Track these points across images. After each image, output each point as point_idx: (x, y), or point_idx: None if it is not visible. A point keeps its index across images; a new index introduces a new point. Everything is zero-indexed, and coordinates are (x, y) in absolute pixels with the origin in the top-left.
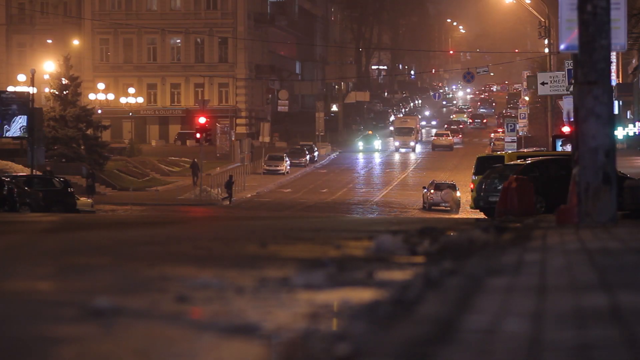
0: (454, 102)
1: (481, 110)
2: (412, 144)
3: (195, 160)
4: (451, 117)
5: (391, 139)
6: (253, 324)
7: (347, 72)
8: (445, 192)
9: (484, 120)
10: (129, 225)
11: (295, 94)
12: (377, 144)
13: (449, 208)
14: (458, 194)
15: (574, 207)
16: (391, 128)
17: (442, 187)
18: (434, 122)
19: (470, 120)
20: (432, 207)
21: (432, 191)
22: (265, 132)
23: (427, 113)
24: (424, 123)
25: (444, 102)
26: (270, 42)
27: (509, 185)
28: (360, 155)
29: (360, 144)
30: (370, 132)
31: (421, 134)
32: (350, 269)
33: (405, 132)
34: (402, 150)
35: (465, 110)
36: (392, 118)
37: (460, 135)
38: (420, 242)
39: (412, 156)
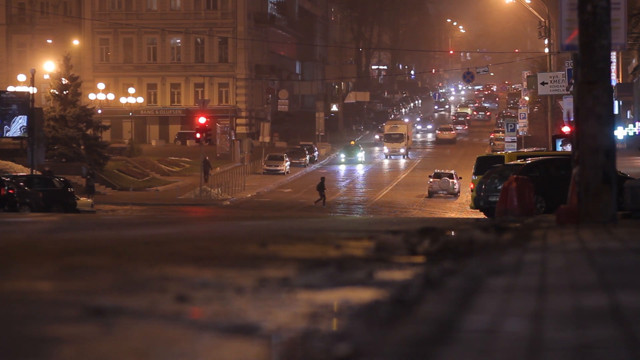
0: (446, 106)
1: (485, 104)
2: (402, 150)
3: (207, 158)
4: (457, 110)
5: (377, 147)
6: (253, 324)
7: (347, 72)
8: (442, 180)
9: (488, 113)
10: (128, 225)
11: (295, 94)
12: (361, 155)
13: (449, 195)
14: (455, 181)
15: (574, 207)
16: (376, 137)
17: (441, 175)
18: (429, 126)
19: (475, 113)
20: (434, 195)
21: (432, 180)
22: (265, 132)
23: (418, 119)
24: (419, 127)
25: (436, 107)
26: (270, 42)
27: (509, 185)
28: (343, 167)
29: (342, 156)
30: (352, 142)
31: (415, 138)
32: (350, 269)
33: (395, 139)
34: (393, 157)
35: (469, 105)
36: (392, 117)
37: (466, 127)
38: (420, 242)
39: (413, 157)
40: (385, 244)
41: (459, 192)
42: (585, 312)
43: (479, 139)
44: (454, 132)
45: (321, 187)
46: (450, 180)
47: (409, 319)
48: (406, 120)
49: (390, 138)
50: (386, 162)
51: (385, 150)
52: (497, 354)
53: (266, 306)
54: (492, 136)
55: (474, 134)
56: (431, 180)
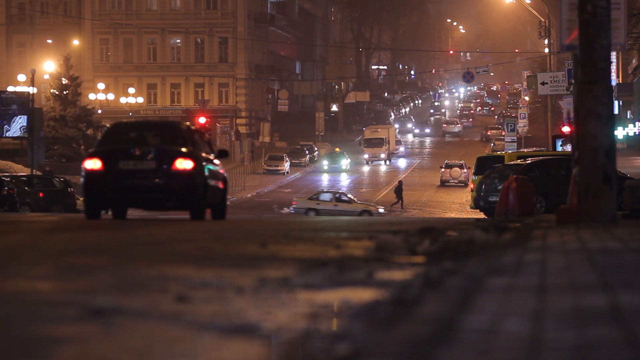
0: (442, 110)
1: (488, 100)
2: (382, 156)
3: None
4: (459, 106)
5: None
6: (253, 324)
7: (347, 72)
8: (453, 170)
9: (492, 108)
10: (128, 225)
11: (295, 94)
12: (345, 163)
13: (460, 183)
14: (465, 170)
15: (574, 207)
16: (365, 144)
17: (451, 166)
18: (427, 130)
19: (480, 108)
20: (445, 184)
21: (443, 170)
22: (265, 132)
23: (409, 125)
24: (417, 131)
25: (432, 110)
26: (270, 42)
27: (509, 185)
28: (326, 177)
29: (325, 163)
30: (337, 149)
31: (413, 140)
32: (350, 269)
33: (375, 144)
34: (375, 162)
35: (472, 101)
36: (392, 117)
37: (470, 120)
38: (420, 242)
39: (414, 157)
40: (385, 244)
41: (468, 180)
42: (585, 312)
43: (479, 139)
44: (459, 125)
45: (399, 191)
46: (460, 170)
47: (409, 319)
48: (396, 125)
49: (370, 143)
50: (372, 170)
51: (365, 156)
52: (497, 354)
53: (266, 306)
54: (488, 133)
55: (475, 133)
56: (443, 170)
